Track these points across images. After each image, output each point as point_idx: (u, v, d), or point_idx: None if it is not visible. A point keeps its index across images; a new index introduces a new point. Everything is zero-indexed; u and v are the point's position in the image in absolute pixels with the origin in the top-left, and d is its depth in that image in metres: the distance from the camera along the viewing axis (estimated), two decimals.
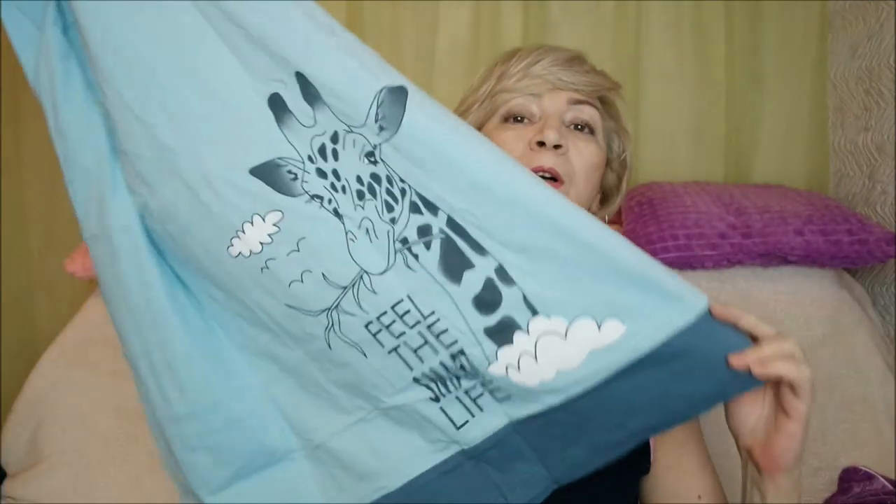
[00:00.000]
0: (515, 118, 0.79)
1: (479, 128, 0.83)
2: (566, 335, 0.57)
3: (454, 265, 0.59)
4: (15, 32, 0.67)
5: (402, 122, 0.57)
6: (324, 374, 0.66)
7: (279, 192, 0.61)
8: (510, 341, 0.59)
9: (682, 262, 1.16)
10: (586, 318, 0.57)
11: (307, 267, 0.61)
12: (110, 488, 1.08)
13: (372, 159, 0.59)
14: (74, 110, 0.66)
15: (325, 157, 0.60)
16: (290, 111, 0.60)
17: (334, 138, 0.60)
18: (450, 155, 0.58)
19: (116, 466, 1.09)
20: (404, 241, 0.60)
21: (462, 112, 0.86)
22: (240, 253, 0.62)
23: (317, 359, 0.65)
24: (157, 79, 0.61)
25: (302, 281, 0.61)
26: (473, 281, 0.59)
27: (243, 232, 0.61)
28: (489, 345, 0.59)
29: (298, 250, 0.61)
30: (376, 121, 0.58)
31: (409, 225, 0.59)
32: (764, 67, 1.44)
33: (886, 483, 0.96)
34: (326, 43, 0.59)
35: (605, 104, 0.83)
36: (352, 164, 0.60)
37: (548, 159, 0.74)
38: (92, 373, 1.17)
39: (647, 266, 0.59)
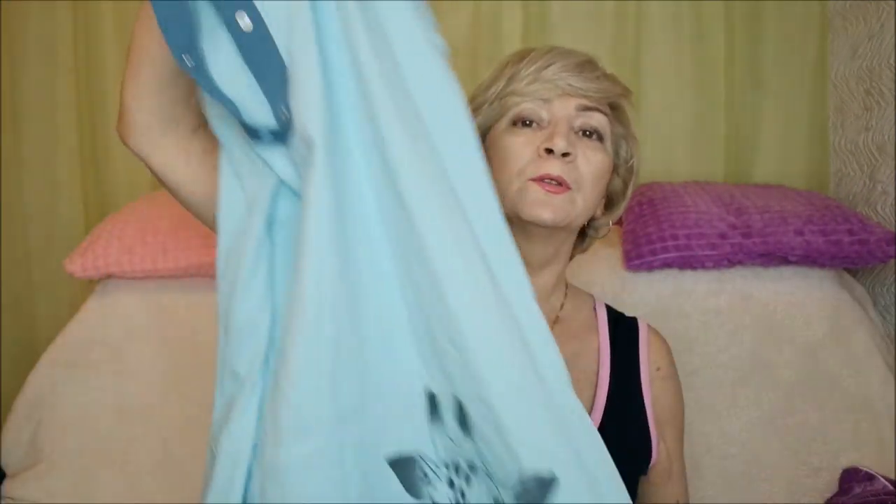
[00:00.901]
0: (524, 122, 0.79)
1: (488, 129, 0.83)
2: None
3: None
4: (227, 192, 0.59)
5: None
6: None
7: (407, 490, 0.55)
8: None
9: (682, 262, 1.16)
10: None
11: None
12: (110, 488, 1.08)
13: None
14: (249, 308, 0.58)
15: (458, 474, 0.56)
16: (441, 417, 0.55)
17: (472, 468, 0.56)
18: None
19: (116, 466, 1.09)
20: None
21: (471, 112, 0.85)
22: None
23: None
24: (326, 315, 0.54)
25: None
26: None
27: None
28: None
29: None
30: (515, 494, 0.53)
31: None
32: (764, 67, 1.44)
33: (887, 483, 0.96)
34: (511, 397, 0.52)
35: (614, 110, 0.83)
36: (479, 497, 0.56)
37: (555, 167, 0.74)
38: (92, 373, 1.17)
39: None
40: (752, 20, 1.43)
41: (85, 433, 1.12)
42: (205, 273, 1.21)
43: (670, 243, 1.16)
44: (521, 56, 0.82)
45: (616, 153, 0.83)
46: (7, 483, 1.09)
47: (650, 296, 1.17)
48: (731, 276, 1.18)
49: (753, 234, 1.15)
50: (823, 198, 1.26)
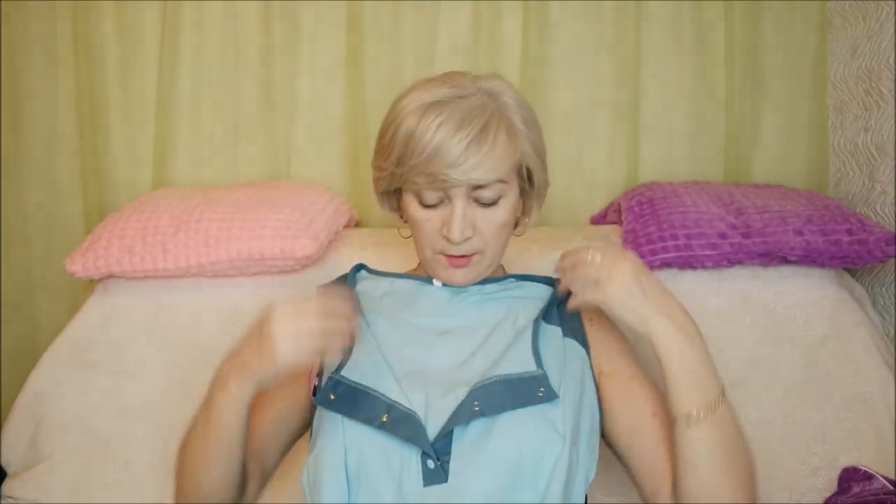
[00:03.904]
0: (424, 205, 0.80)
1: (397, 189, 0.84)
2: None
3: None
4: None
5: None
6: None
7: None
8: None
9: (682, 262, 1.16)
10: None
11: None
12: (110, 488, 1.08)
13: None
14: None
15: None
16: None
17: None
18: None
19: (116, 466, 1.10)
20: None
21: (377, 178, 0.86)
22: None
23: None
24: None
25: None
26: None
27: None
28: None
29: None
30: None
31: None
32: (764, 67, 1.44)
33: (886, 483, 0.96)
34: None
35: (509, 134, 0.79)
36: None
37: (457, 250, 0.80)
38: (92, 373, 1.17)
39: None
40: (752, 20, 1.43)
41: (85, 433, 1.12)
42: (205, 273, 1.21)
43: (670, 243, 1.16)
44: (406, 138, 0.77)
45: (520, 177, 0.83)
46: (7, 483, 1.09)
47: None
48: (731, 275, 1.18)
49: (753, 233, 1.15)
50: (823, 197, 1.26)
